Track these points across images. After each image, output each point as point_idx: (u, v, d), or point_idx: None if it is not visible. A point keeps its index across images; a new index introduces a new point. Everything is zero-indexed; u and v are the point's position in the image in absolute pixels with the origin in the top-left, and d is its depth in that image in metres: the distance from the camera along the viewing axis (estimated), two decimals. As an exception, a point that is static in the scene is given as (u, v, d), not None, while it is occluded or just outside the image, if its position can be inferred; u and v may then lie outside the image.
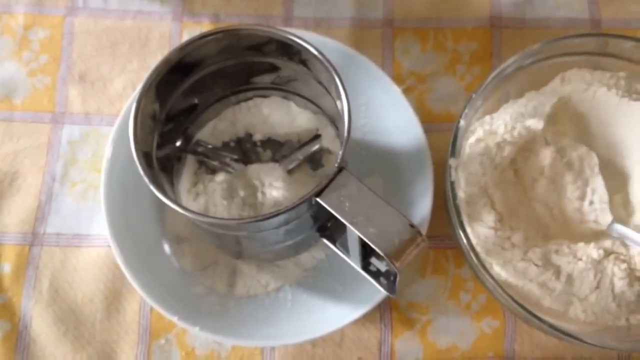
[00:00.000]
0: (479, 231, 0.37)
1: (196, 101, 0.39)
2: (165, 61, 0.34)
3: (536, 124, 0.38)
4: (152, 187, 0.32)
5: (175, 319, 0.38)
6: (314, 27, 0.47)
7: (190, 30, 0.47)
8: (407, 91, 0.45)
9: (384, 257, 0.30)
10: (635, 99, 0.38)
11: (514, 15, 0.48)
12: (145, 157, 0.33)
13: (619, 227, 0.38)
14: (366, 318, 0.41)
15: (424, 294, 0.42)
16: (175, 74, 0.35)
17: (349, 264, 0.37)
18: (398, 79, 0.46)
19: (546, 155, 0.39)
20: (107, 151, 0.40)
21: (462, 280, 0.42)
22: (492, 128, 0.39)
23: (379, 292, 0.37)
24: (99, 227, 0.43)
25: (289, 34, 0.34)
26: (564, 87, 0.40)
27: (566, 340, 0.34)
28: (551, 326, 0.34)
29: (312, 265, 0.41)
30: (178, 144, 0.40)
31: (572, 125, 0.40)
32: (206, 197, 0.40)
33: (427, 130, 0.41)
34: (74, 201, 0.44)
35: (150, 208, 0.41)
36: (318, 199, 0.31)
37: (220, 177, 0.40)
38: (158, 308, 0.38)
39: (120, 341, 0.41)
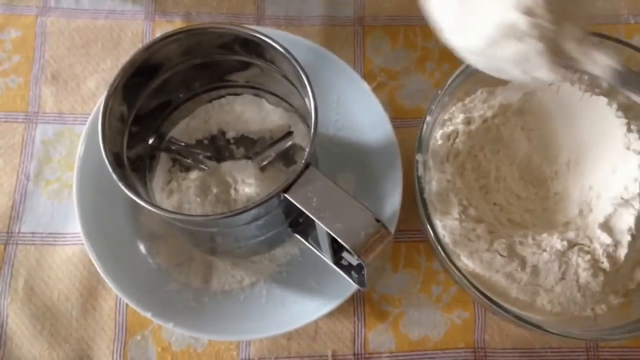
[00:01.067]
0: (446, 223, 0.38)
1: (166, 100, 0.40)
2: (131, 62, 0.34)
3: (509, 96, 0.39)
4: (122, 186, 0.32)
5: (149, 315, 0.38)
6: (285, 25, 0.48)
7: (163, 29, 0.48)
8: (378, 88, 0.46)
9: (351, 250, 0.31)
10: (598, 94, 0.39)
11: (482, 11, 0.49)
12: (116, 157, 0.34)
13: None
14: (340, 311, 0.42)
15: (396, 287, 0.43)
16: (142, 74, 0.35)
17: (322, 259, 0.37)
18: (369, 76, 0.47)
19: (521, 140, 0.40)
20: (79, 150, 0.40)
21: (433, 273, 0.43)
22: (459, 121, 0.40)
23: (351, 285, 0.37)
24: (74, 225, 0.43)
25: (255, 32, 0.34)
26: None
27: (531, 330, 0.35)
28: (516, 317, 0.35)
29: (286, 261, 0.42)
30: (151, 142, 0.41)
31: (537, 119, 0.41)
32: (180, 194, 0.40)
33: (398, 126, 0.42)
34: (49, 200, 0.44)
35: (124, 206, 0.41)
36: (286, 195, 0.32)
37: (194, 174, 0.41)
38: (132, 305, 0.38)
39: (96, 338, 0.42)
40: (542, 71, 0.28)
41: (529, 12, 0.27)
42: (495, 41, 0.28)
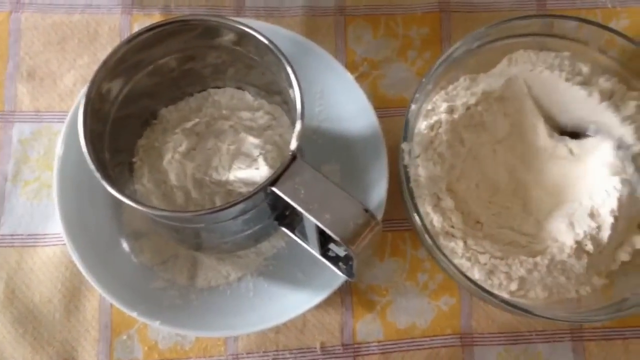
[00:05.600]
0: (432, 211, 0.38)
1: (148, 94, 0.39)
2: (113, 55, 0.33)
3: (492, 83, 0.39)
4: (105, 185, 0.32)
5: (134, 315, 0.38)
6: (265, 16, 0.47)
7: (141, 23, 0.47)
8: (360, 78, 0.46)
9: (340, 241, 0.31)
10: (579, 83, 0.40)
11: (462, -1, 0.49)
12: (97, 154, 0.33)
13: None
14: (328, 303, 0.42)
15: (383, 277, 0.43)
16: (124, 67, 0.34)
17: (309, 251, 0.37)
18: (352, 66, 0.46)
19: (504, 126, 0.40)
20: (59, 148, 0.39)
21: (419, 261, 0.43)
22: (442, 110, 0.40)
23: (339, 277, 0.37)
24: (54, 225, 0.42)
25: (238, 23, 0.34)
26: (511, 69, 0.41)
27: (519, 314, 0.36)
28: (504, 301, 0.35)
29: (272, 254, 0.41)
30: (134, 135, 0.40)
31: (518, 104, 0.41)
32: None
33: (381, 116, 0.42)
34: (28, 200, 0.43)
35: (106, 205, 0.40)
36: (273, 188, 0.32)
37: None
38: (117, 304, 0.38)
39: (81, 339, 0.41)
40: None
41: None
42: None
